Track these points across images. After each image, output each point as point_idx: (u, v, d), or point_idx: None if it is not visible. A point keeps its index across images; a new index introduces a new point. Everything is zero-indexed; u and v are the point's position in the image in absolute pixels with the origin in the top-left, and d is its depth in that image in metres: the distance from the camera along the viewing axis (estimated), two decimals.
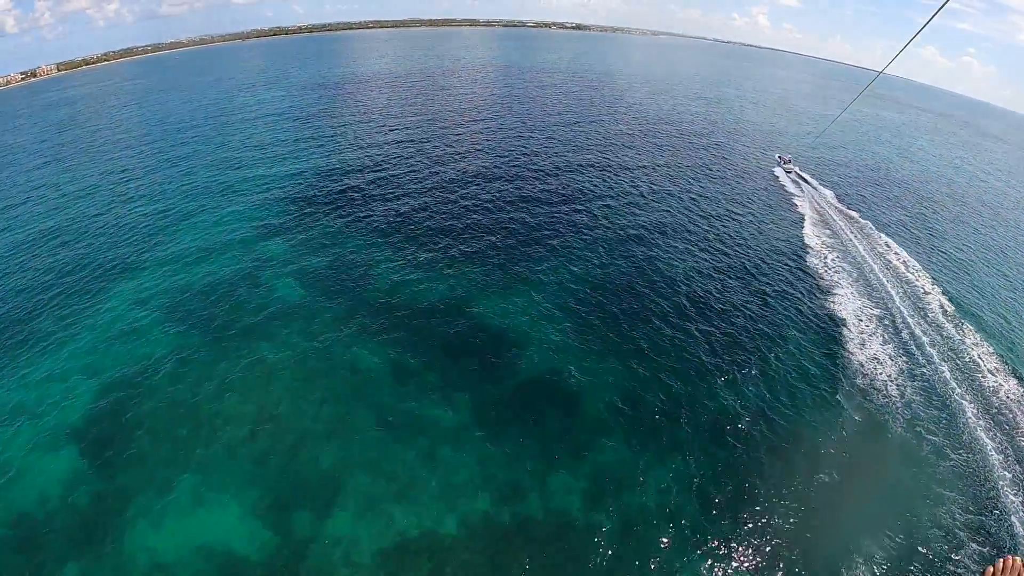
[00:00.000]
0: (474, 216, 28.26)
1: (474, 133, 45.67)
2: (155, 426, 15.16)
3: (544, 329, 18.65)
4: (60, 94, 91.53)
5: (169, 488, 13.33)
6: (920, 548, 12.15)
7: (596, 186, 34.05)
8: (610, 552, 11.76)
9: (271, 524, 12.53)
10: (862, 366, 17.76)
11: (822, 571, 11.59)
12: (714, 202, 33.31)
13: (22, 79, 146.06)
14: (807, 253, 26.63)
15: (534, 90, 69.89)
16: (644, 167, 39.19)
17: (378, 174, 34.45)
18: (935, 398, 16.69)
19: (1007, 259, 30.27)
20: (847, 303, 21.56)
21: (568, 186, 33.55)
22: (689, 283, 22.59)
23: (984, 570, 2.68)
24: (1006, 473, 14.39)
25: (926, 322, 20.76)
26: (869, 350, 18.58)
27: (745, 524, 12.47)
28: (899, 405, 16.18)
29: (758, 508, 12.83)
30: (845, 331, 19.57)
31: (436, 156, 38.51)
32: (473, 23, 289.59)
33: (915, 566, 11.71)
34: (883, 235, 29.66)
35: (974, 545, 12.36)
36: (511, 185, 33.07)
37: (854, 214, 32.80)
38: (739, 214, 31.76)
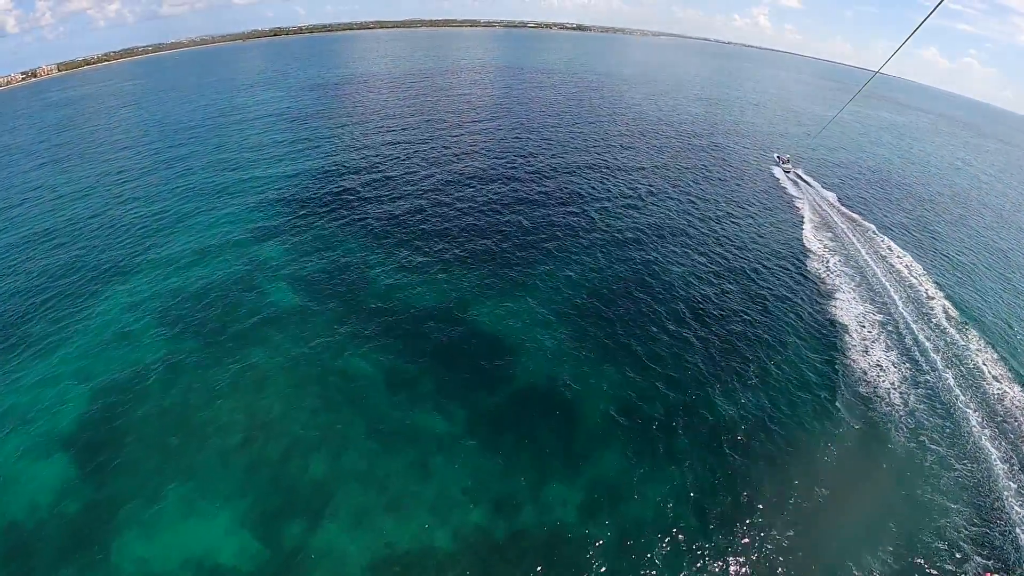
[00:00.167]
0: (470, 219, 28.01)
1: (472, 134, 45.44)
2: (146, 433, 14.96)
3: (540, 336, 18.38)
4: (60, 94, 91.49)
5: (159, 497, 13.14)
6: (923, 562, 11.87)
7: (594, 188, 33.79)
8: (605, 566, 11.49)
9: (261, 535, 12.30)
10: (865, 373, 17.45)
11: None
12: (713, 204, 33.04)
13: (22, 79, 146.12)
14: (808, 257, 26.33)
15: (533, 91, 69.68)
16: (642, 168, 38.93)
17: (374, 176, 34.23)
18: (939, 406, 16.39)
19: (1010, 262, 29.96)
20: (849, 308, 21.24)
21: (565, 188, 33.29)
22: (687, 288, 22.31)
23: None
24: (1011, 483, 14.10)
25: (929, 327, 20.45)
26: (872, 357, 18.27)
27: (743, 537, 12.19)
28: (902, 414, 15.88)
29: (756, 520, 12.55)
30: (847, 337, 19.26)
31: (433, 158, 38.28)
32: (474, 24, 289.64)
33: None
34: (885, 238, 29.36)
35: (978, 558, 12.07)
36: (508, 187, 32.83)
37: (856, 216, 32.50)
38: (738, 216, 31.46)
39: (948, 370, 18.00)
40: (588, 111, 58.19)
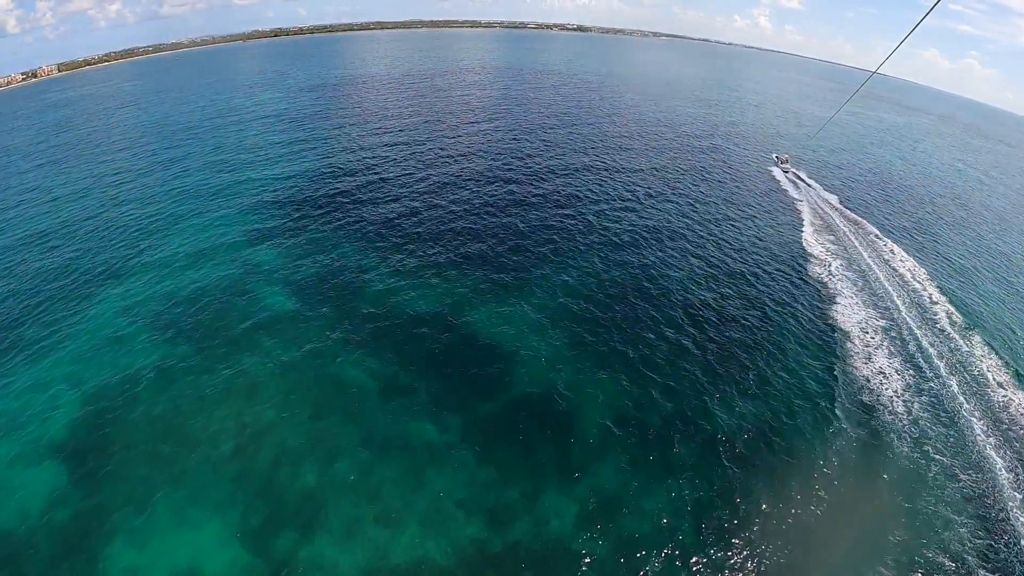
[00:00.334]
0: (465, 222, 27.73)
1: (469, 135, 45.25)
2: (137, 440, 14.76)
3: (535, 342, 18.10)
4: (59, 95, 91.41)
5: (150, 506, 12.95)
6: None
7: (592, 190, 33.53)
8: None
9: (251, 546, 12.07)
10: (868, 381, 17.17)
11: None
12: (711, 206, 32.78)
13: (23, 79, 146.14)
14: (809, 260, 26.05)
15: (532, 92, 69.50)
16: (641, 170, 38.70)
17: (370, 177, 34.00)
18: (943, 414, 16.11)
19: (1013, 265, 29.69)
20: (851, 314, 20.95)
21: (563, 190, 33.03)
22: (685, 293, 22.00)
23: None
24: (1016, 494, 13.82)
25: (933, 333, 20.16)
26: (874, 364, 17.99)
27: (741, 551, 11.91)
28: (906, 423, 15.60)
29: (755, 534, 12.27)
30: (849, 344, 18.96)
31: (430, 159, 38.06)
32: (474, 24, 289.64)
33: None
34: (888, 241, 29.09)
35: (983, 572, 11.80)
36: (504, 189, 32.59)
37: (858, 219, 32.21)
38: (737, 219, 31.20)
39: (952, 377, 17.73)
40: (587, 112, 58.01)
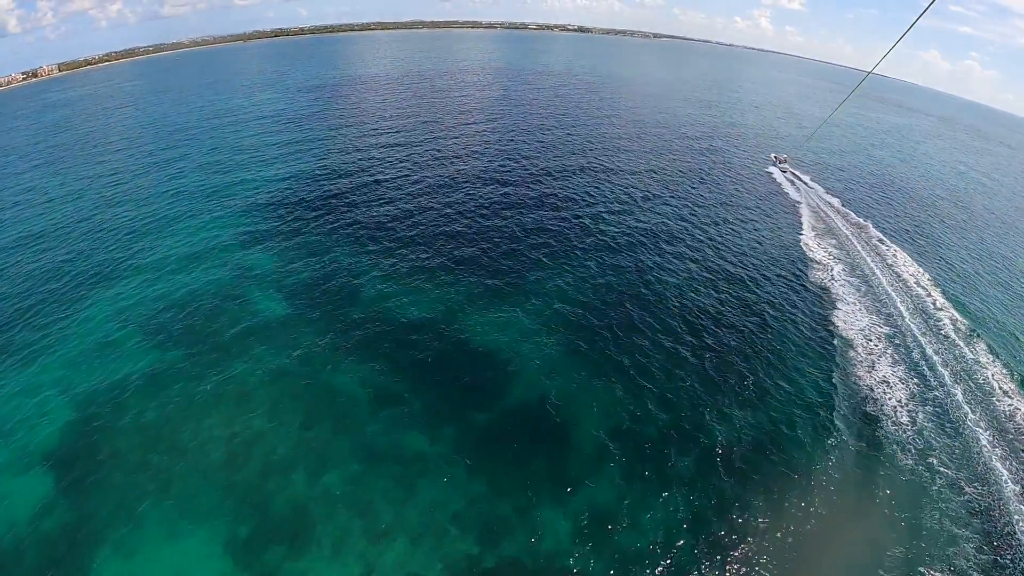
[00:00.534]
0: (461, 225, 27.40)
1: (467, 137, 45.00)
2: (126, 449, 14.52)
3: (530, 351, 17.75)
4: (59, 95, 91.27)
5: (139, 517, 12.72)
6: None
7: (589, 193, 33.19)
8: None
9: (241, 560, 11.81)
10: (871, 390, 16.82)
11: None
12: (710, 208, 32.45)
13: (23, 79, 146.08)
14: (810, 265, 25.71)
15: (531, 93, 69.27)
16: (639, 171, 38.42)
17: (365, 179, 33.72)
18: (948, 425, 15.78)
19: (1016, 269, 29.36)
20: (854, 320, 20.58)
21: (560, 193, 32.70)
22: (682, 299, 21.58)
23: None
24: (1022, 507, 13.50)
25: (938, 340, 19.81)
26: (878, 372, 17.64)
27: (740, 567, 11.59)
28: (910, 433, 15.27)
29: (753, 548, 11.96)
30: (852, 352, 18.59)
31: (426, 161, 37.77)
32: (475, 25, 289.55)
33: None
34: (891, 244, 28.75)
35: None
36: (501, 192, 32.25)
37: (860, 221, 31.85)
38: (736, 221, 30.86)
39: (957, 385, 17.40)
40: (586, 113, 57.79)
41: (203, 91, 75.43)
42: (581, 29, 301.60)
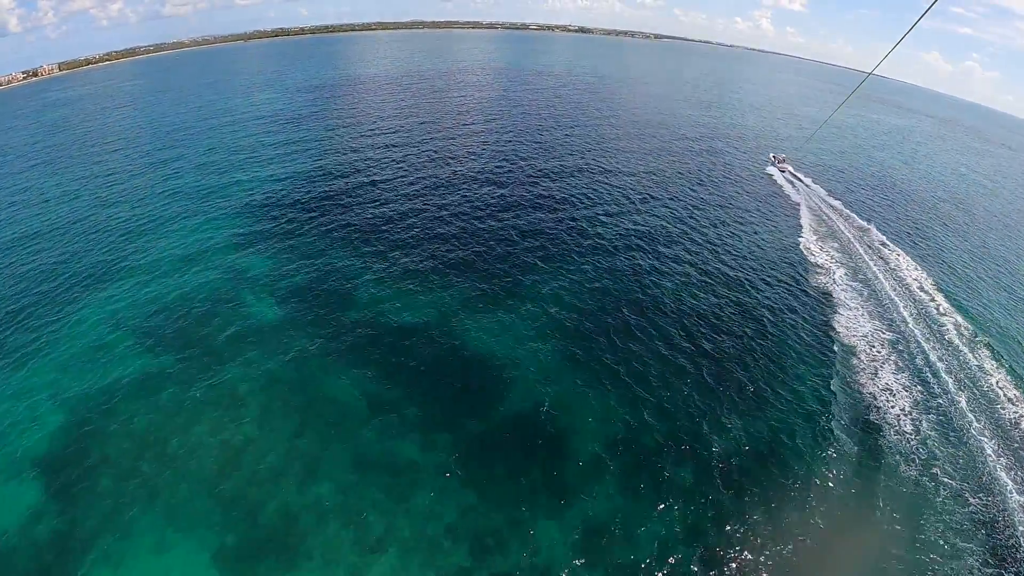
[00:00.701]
0: (457, 228, 27.08)
1: (465, 137, 44.78)
2: (117, 456, 14.32)
3: (526, 358, 17.44)
4: (59, 94, 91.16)
5: (129, 528, 12.51)
6: None
7: (587, 194, 32.87)
8: None
9: (232, 574, 11.53)
10: (874, 398, 16.51)
11: None
12: (709, 211, 32.13)
13: (23, 78, 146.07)
14: (811, 269, 25.39)
15: (530, 94, 69.07)
16: (638, 173, 38.15)
17: (362, 180, 33.48)
18: (952, 434, 15.50)
19: (1020, 273, 29.07)
20: (857, 327, 20.22)
21: (558, 194, 32.39)
22: (680, 306, 21.19)
23: None
24: None
25: (942, 346, 19.48)
26: (881, 380, 17.34)
27: None
28: (913, 443, 14.99)
29: (754, 561, 11.69)
30: (854, 360, 18.26)
31: (424, 162, 37.53)
32: (476, 25, 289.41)
33: None
34: (894, 248, 28.45)
35: None
36: (497, 194, 31.93)
37: (865, 224, 31.50)
38: (735, 224, 30.51)
39: (961, 393, 17.11)
40: (585, 114, 57.57)
41: (202, 91, 75.29)
42: (582, 30, 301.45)
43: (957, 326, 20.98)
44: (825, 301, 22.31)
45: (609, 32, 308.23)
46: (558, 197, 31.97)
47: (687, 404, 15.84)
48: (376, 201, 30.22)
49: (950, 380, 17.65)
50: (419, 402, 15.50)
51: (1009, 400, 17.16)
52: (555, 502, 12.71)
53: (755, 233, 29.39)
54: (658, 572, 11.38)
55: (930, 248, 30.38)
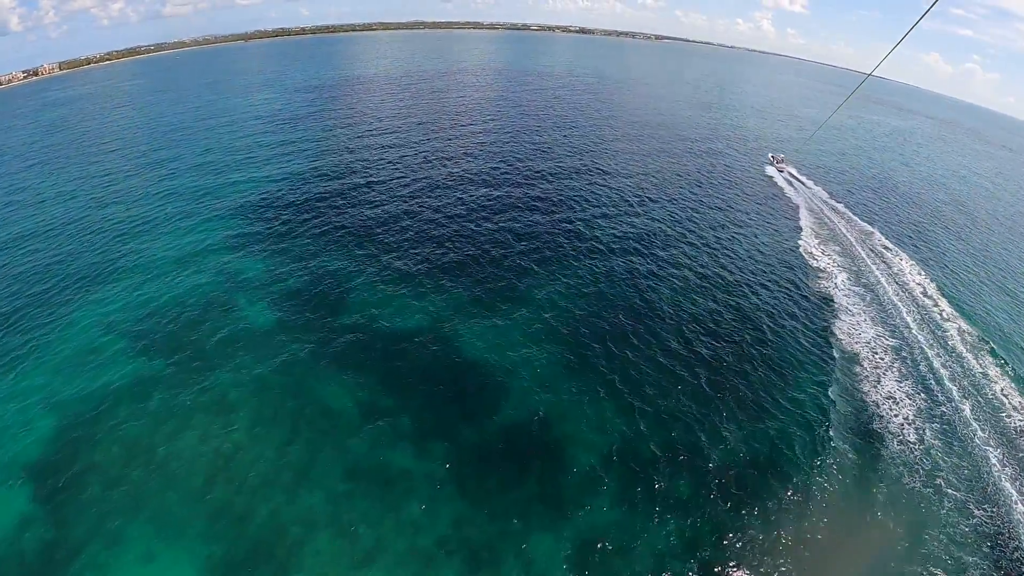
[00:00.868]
0: (453, 230, 26.74)
1: (463, 138, 44.53)
2: (108, 465, 14.12)
3: (523, 365, 17.14)
4: (58, 94, 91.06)
5: (117, 537, 12.28)
6: None
7: (584, 196, 32.54)
8: None
9: None
10: (877, 407, 16.22)
11: None
12: (708, 214, 31.78)
13: (24, 78, 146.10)
14: (812, 273, 25.10)
15: (529, 94, 68.84)
16: (636, 174, 37.85)
17: (358, 181, 33.20)
18: (956, 443, 15.22)
19: (1023, 278, 28.79)
20: (859, 333, 19.90)
21: (555, 196, 32.03)
22: (679, 312, 20.81)
23: None
24: None
25: (946, 352, 19.20)
26: (884, 388, 17.05)
27: None
28: (917, 453, 14.71)
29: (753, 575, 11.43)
30: (857, 368, 17.94)
31: (421, 163, 37.24)
32: (477, 26, 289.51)
33: None
34: (896, 251, 28.18)
35: None
36: (494, 196, 31.57)
37: (868, 227, 31.20)
38: (734, 225, 30.23)
39: (965, 401, 16.83)
40: (584, 115, 57.32)
41: (201, 91, 75.10)
42: (583, 30, 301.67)
43: (961, 332, 20.70)
44: (826, 306, 22.01)
45: (610, 33, 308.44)
46: (555, 199, 31.68)
47: (685, 413, 15.53)
48: (371, 203, 29.93)
49: (954, 388, 17.37)
50: (412, 410, 15.22)
51: (1014, 408, 16.90)
52: (550, 514, 12.42)
53: (754, 236, 29.10)
54: None
55: (932, 251, 30.10)
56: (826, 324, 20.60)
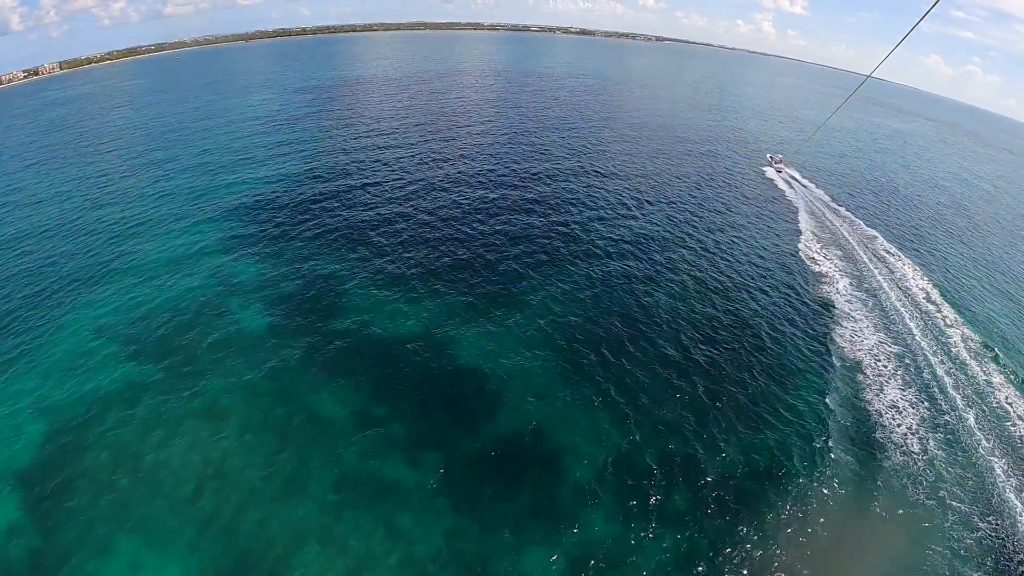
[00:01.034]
0: (449, 233, 26.41)
1: (461, 140, 44.30)
2: (97, 472, 13.90)
3: (518, 373, 16.82)
4: (58, 93, 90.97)
5: (107, 548, 12.05)
6: None
7: (582, 199, 32.21)
8: None
9: None
10: (880, 416, 15.91)
11: None
12: (707, 217, 31.45)
13: (24, 77, 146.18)
14: (812, 278, 24.79)
15: (528, 96, 68.65)
16: (634, 176, 37.57)
17: (354, 183, 32.93)
18: (960, 454, 14.93)
19: None
20: (861, 340, 19.57)
21: (552, 199, 31.67)
22: (677, 319, 20.44)
23: None
24: None
25: (949, 359, 18.88)
26: (887, 396, 16.74)
27: None
28: (920, 464, 14.42)
29: None
30: (860, 376, 17.62)
31: (418, 165, 36.91)
32: (478, 27, 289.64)
33: None
34: (898, 254, 27.88)
35: None
36: (490, 199, 31.20)
37: (869, 231, 30.90)
38: (733, 228, 29.89)
39: (969, 410, 16.55)
40: (583, 116, 57.11)
41: (201, 91, 74.96)
42: (583, 32, 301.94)
43: (964, 338, 20.39)
44: (826, 311, 21.71)
45: (611, 34, 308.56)
46: (552, 202, 31.38)
47: (681, 423, 15.20)
48: (365, 205, 29.65)
49: (958, 396, 17.08)
50: (404, 418, 14.93)
51: (1019, 417, 16.61)
52: (544, 527, 12.14)
53: (753, 239, 28.82)
54: None
55: (934, 256, 29.79)
56: (827, 330, 20.28)
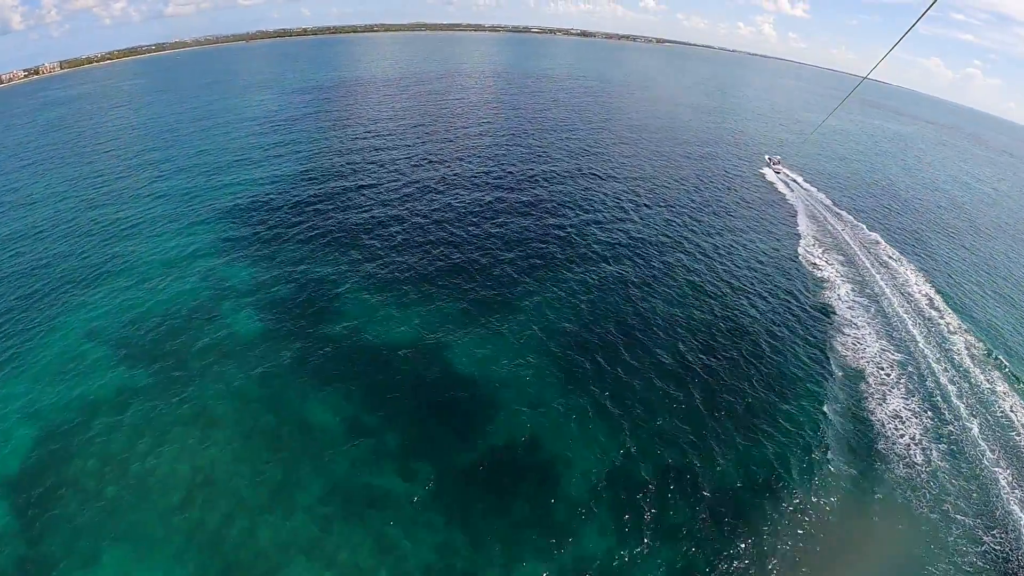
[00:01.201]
0: (444, 237, 26.12)
1: (460, 141, 44.09)
2: (85, 480, 13.69)
3: (513, 381, 16.51)
4: (58, 93, 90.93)
5: (94, 559, 11.83)
6: None
7: (579, 202, 31.92)
8: None
9: None
10: (883, 426, 15.60)
11: None
12: (704, 218, 31.16)
13: (25, 77, 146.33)
14: (813, 283, 24.50)
15: (527, 97, 68.49)
16: (633, 179, 37.31)
17: (350, 184, 32.69)
18: (964, 465, 14.63)
19: None
20: (864, 347, 19.25)
21: (549, 203, 31.37)
22: (674, 327, 20.06)
23: None
24: None
25: (953, 367, 18.57)
26: (890, 406, 16.44)
27: None
28: (924, 476, 14.12)
29: None
30: (863, 384, 17.29)
31: (414, 167, 36.64)
32: (478, 28, 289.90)
33: None
34: (899, 258, 27.58)
35: None
36: (488, 200, 30.98)
37: (871, 235, 30.58)
38: (731, 231, 29.61)
39: (973, 419, 16.25)
40: (583, 118, 56.90)
41: (200, 91, 74.84)
42: (584, 33, 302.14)
43: (968, 346, 20.10)
44: (827, 318, 21.39)
45: (611, 36, 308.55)
46: (548, 205, 31.09)
47: (678, 434, 14.86)
48: (360, 207, 29.38)
49: (962, 405, 16.79)
50: (395, 427, 14.64)
51: None
52: (537, 541, 11.82)
53: (752, 243, 28.52)
54: None
55: (936, 261, 29.49)
56: (827, 338, 19.94)
